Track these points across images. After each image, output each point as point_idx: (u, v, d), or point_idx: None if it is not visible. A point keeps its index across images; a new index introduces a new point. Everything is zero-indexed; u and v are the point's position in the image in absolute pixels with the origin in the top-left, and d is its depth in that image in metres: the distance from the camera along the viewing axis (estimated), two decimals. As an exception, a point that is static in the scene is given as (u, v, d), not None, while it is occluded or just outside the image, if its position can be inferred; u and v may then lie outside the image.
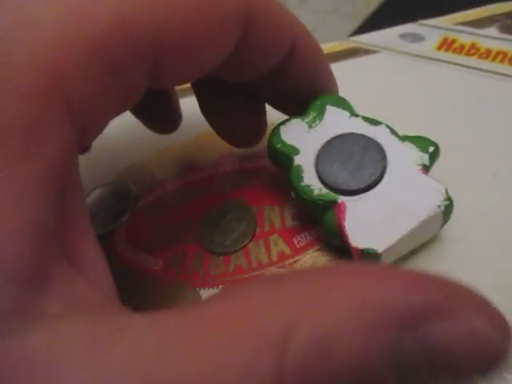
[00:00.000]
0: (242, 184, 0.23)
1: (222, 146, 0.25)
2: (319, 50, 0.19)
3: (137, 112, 0.23)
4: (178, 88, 0.26)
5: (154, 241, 0.22)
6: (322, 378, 0.09)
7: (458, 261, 0.18)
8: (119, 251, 0.22)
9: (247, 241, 0.20)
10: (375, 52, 0.27)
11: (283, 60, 0.17)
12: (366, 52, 0.27)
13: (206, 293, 0.20)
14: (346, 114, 0.19)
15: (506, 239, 0.18)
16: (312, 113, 0.19)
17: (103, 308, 0.11)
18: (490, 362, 0.10)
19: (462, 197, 0.20)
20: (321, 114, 0.19)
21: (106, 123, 0.15)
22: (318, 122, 0.19)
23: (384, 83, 0.25)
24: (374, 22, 0.35)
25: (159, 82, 0.15)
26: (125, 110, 0.15)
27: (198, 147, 0.25)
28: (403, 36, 0.27)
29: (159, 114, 0.23)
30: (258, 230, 0.21)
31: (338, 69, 0.26)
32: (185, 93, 0.29)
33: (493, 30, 0.26)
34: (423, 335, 0.10)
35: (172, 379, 0.09)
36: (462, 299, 0.10)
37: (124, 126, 0.27)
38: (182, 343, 0.09)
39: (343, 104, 0.19)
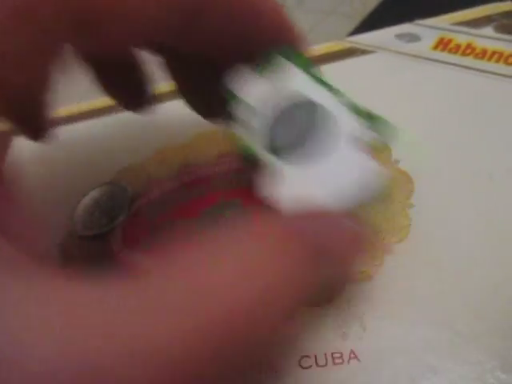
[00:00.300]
0: (240, 185, 0.23)
1: (221, 147, 0.25)
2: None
3: (109, 89, 0.22)
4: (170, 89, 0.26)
5: (150, 241, 0.22)
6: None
7: (453, 262, 0.18)
8: (115, 251, 0.22)
9: None
10: (372, 52, 0.27)
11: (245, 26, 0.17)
12: (363, 52, 0.27)
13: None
14: (304, 76, 0.18)
15: (501, 240, 0.18)
16: (266, 69, 0.18)
17: (26, 265, 0.10)
18: (358, 248, 0.14)
19: (457, 197, 0.20)
20: (276, 71, 0.18)
21: (29, 83, 0.15)
22: (272, 81, 0.18)
23: (380, 83, 0.25)
24: (371, 22, 0.35)
25: (95, 43, 0.15)
26: (50, 69, 0.15)
27: (196, 148, 0.25)
28: (399, 36, 0.27)
29: (131, 91, 0.22)
30: (253, 231, 0.21)
31: (334, 69, 0.27)
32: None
33: (489, 30, 0.26)
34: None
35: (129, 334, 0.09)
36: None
37: (121, 126, 0.27)
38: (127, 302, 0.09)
39: (301, 61, 0.18)
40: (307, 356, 0.17)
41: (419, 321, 0.17)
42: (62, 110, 0.30)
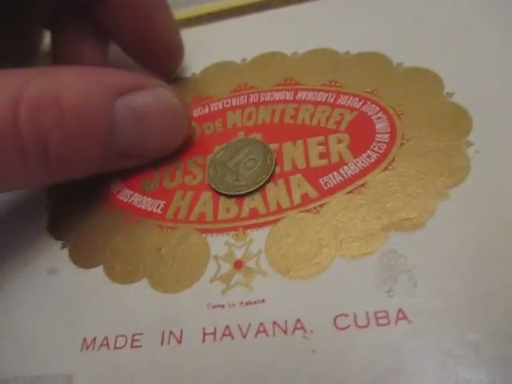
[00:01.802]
0: (259, 119, 0.20)
1: (236, 78, 0.22)
2: None
3: None
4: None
5: (154, 180, 0.19)
6: (52, 114, 0.14)
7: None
8: (113, 193, 0.19)
9: (264, 181, 0.17)
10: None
11: None
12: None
13: (213, 240, 0.17)
14: None
15: None
16: None
17: None
18: (177, 118, 0.18)
19: None
20: None
21: None
22: None
23: (423, 9, 0.21)
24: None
25: None
26: None
27: (208, 79, 0.22)
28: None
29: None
30: (277, 170, 0.18)
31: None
32: (188, 23, 0.25)
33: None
34: (130, 102, 0.16)
35: None
36: (153, 81, 0.18)
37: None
38: None
39: None
40: (344, 314, 0.14)
41: (479, 275, 0.14)
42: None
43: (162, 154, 0.19)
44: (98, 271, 0.17)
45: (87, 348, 0.15)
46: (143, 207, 0.18)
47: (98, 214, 0.19)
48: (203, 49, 0.23)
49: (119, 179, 0.19)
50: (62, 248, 0.18)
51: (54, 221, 0.19)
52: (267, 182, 0.17)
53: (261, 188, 0.17)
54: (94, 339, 0.15)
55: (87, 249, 0.18)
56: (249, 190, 0.17)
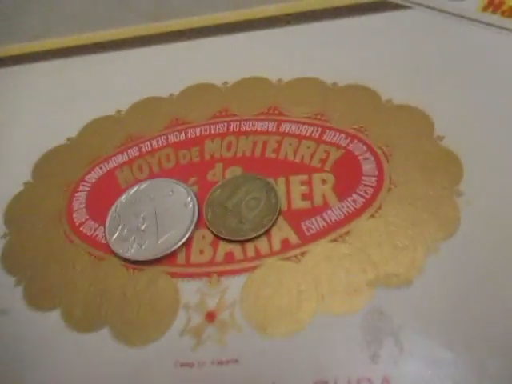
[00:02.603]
0: (239, 150, 0.18)
1: (216, 103, 0.20)
2: None
3: None
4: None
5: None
6: None
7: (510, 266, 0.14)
8: (76, 224, 0.17)
9: (271, 222, 0.16)
10: (407, 7, 0.22)
11: None
12: (396, 7, 0.22)
13: (184, 285, 0.15)
14: None
15: None
16: None
17: None
18: None
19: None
20: None
21: None
22: None
23: (415, 44, 0.21)
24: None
25: None
26: None
27: (187, 101, 0.20)
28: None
29: None
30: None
31: (360, 23, 0.22)
32: (168, 38, 0.24)
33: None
34: None
35: None
36: None
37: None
38: None
39: None
40: (324, 381, 0.13)
41: (470, 340, 0.13)
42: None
43: None
44: (55, 315, 0.15)
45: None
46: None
47: (58, 246, 0.17)
48: (183, 67, 0.22)
49: (83, 209, 0.18)
50: (16, 286, 0.16)
51: (8, 252, 0.17)
52: (274, 223, 0.16)
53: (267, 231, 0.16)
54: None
55: (44, 287, 0.16)
56: (256, 234, 0.16)
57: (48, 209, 0.18)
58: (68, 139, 0.20)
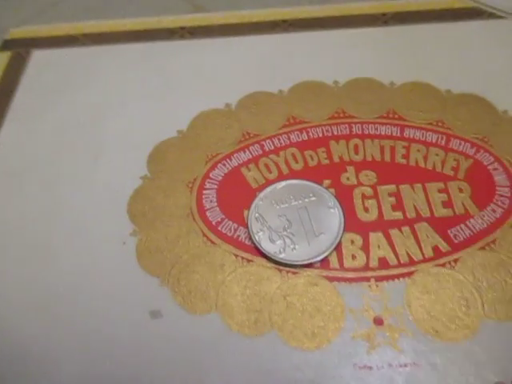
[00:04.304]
0: (368, 154, 0.19)
1: (331, 103, 0.20)
2: None
3: None
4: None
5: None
6: None
7: None
8: (213, 223, 0.17)
9: None
10: (502, 17, 0.23)
11: None
12: (491, 15, 0.23)
13: (344, 290, 0.16)
14: None
15: None
16: None
17: None
18: None
19: None
20: None
21: None
22: None
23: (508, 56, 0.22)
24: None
25: None
26: None
27: (299, 99, 0.20)
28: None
29: None
30: (399, 215, 0.17)
31: (452, 30, 0.23)
32: (264, 29, 0.23)
33: None
34: None
35: None
36: None
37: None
38: None
39: None
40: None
41: None
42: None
43: None
44: (215, 318, 0.15)
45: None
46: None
47: (199, 246, 0.17)
48: (288, 61, 0.22)
49: (216, 207, 0.17)
50: (161, 286, 0.16)
51: (143, 251, 0.17)
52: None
53: (387, 235, 0.16)
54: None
55: (194, 288, 0.16)
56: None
57: (175, 206, 0.18)
58: (179, 132, 0.20)
